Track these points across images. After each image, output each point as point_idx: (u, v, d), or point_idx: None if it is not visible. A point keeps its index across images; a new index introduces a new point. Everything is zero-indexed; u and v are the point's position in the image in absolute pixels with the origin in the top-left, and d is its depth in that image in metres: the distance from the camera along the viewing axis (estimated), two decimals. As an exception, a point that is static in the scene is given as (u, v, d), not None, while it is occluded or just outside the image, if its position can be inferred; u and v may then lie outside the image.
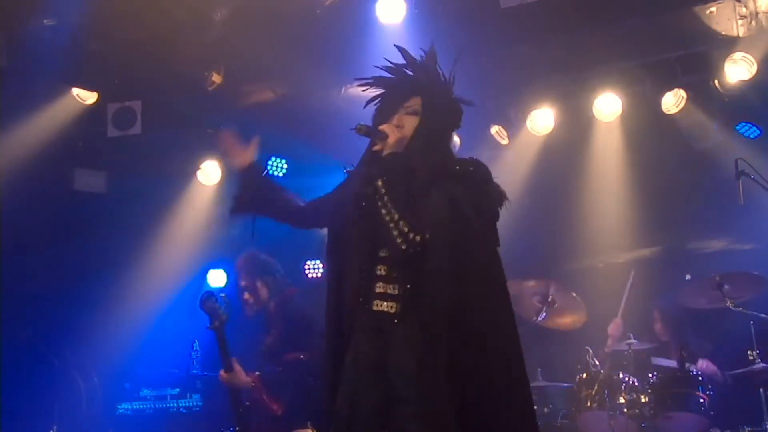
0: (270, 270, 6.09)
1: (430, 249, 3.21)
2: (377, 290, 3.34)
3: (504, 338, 3.32)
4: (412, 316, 3.24)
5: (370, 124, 3.56)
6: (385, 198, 3.28)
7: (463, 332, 3.19)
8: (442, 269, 3.20)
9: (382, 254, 3.36)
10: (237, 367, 5.68)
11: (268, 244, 7.56)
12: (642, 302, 7.69)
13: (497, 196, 3.44)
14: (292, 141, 8.28)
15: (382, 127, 3.44)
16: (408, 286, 3.28)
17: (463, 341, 3.19)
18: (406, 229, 3.22)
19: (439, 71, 3.60)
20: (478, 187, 3.39)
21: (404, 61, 3.60)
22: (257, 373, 5.82)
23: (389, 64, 3.60)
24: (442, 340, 3.17)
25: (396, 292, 3.31)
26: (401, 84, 3.55)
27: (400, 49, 3.63)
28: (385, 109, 3.53)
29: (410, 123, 3.45)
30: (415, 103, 3.48)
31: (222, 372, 5.69)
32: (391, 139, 3.40)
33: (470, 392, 3.19)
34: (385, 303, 3.32)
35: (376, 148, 3.43)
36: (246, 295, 6.06)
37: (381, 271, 3.35)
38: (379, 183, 3.31)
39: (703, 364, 6.88)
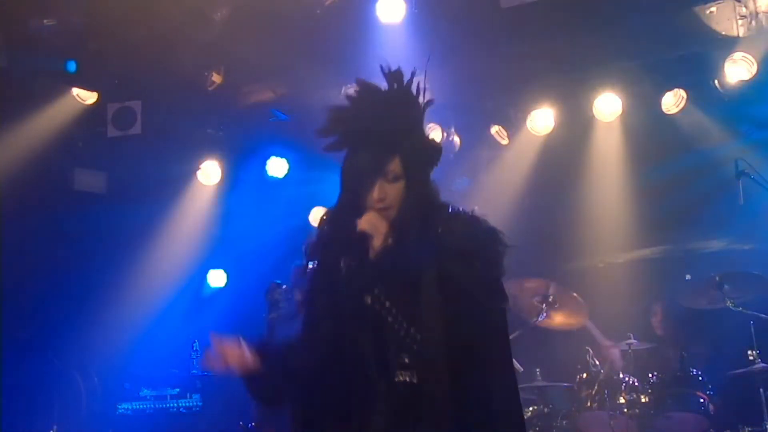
0: None
1: (424, 346, 2.99)
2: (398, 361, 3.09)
3: (506, 401, 3.12)
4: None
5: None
6: (387, 304, 3.05)
7: (464, 395, 3.07)
8: (439, 364, 2.97)
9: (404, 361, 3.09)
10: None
11: (266, 243, 7.57)
12: (642, 302, 7.70)
13: (497, 251, 3.10)
14: (292, 141, 8.29)
15: (364, 224, 3.04)
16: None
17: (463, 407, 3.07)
18: (418, 337, 3.02)
19: (413, 104, 3.13)
20: (475, 255, 3.06)
21: (374, 109, 3.08)
22: None
23: (358, 118, 3.10)
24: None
25: (408, 361, 3.07)
26: (377, 142, 3.05)
27: (361, 82, 3.13)
28: (361, 177, 3.06)
29: (393, 191, 3.05)
30: (395, 166, 3.05)
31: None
32: (377, 240, 3.02)
33: None
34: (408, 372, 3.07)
35: (360, 228, 3.06)
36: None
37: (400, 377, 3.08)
38: (377, 291, 3.05)
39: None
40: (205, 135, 8.38)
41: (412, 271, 3.01)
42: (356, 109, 3.12)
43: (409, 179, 3.07)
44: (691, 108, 7.57)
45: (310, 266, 3.26)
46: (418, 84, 3.13)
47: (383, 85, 3.10)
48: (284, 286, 5.78)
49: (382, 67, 3.11)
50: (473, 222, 3.12)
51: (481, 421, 3.01)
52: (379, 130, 3.06)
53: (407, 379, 3.04)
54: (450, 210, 3.17)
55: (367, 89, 3.11)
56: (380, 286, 3.05)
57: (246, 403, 5.75)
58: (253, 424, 5.66)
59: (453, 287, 2.98)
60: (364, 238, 3.04)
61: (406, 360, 3.05)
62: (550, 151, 8.13)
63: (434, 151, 3.18)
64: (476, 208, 3.26)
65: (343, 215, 3.15)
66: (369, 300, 3.05)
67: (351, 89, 3.14)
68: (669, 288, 7.65)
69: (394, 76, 3.11)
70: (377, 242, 3.04)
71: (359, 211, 3.08)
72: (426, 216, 3.09)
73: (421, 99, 3.13)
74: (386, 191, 3.05)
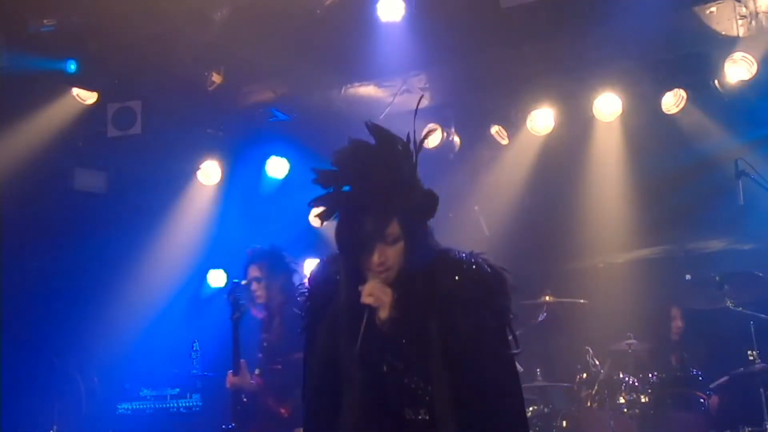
0: (290, 270, 6.05)
1: (437, 400, 3.03)
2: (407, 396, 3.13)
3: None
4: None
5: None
6: (401, 368, 3.06)
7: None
8: (449, 416, 3.01)
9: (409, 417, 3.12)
10: (244, 370, 5.70)
11: (263, 225, 7.54)
12: (642, 302, 7.70)
13: (503, 296, 3.10)
14: (292, 141, 8.29)
15: (368, 295, 3.01)
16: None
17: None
18: (429, 389, 3.05)
19: (406, 157, 3.05)
20: (481, 304, 3.06)
21: (365, 171, 3.00)
22: (257, 371, 5.84)
23: (351, 181, 3.02)
24: None
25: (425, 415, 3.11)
26: (374, 209, 2.98)
27: (352, 141, 3.05)
28: (359, 242, 3.00)
29: (394, 253, 3.01)
30: (393, 229, 3.00)
31: (230, 374, 5.71)
32: (383, 311, 3.02)
33: None
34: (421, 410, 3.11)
35: (363, 300, 3.01)
36: (255, 286, 6.01)
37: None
38: (390, 359, 3.06)
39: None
40: (205, 135, 8.38)
41: (420, 334, 3.01)
42: (348, 171, 3.03)
43: (408, 239, 3.03)
44: (691, 108, 7.57)
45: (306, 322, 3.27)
46: (408, 135, 3.07)
47: (371, 142, 3.04)
48: (243, 282, 5.84)
49: (367, 125, 3.05)
50: (478, 268, 3.09)
51: None
52: (374, 193, 2.98)
53: (423, 416, 3.06)
54: (453, 255, 3.13)
55: (357, 150, 3.03)
56: (392, 352, 3.05)
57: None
58: (232, 425, 5.69)
59: (461, 340, 2.99)
60: (368, 307, 3.02)
61: (422, 413, 3.07)
62: (550, 151, 8.13)
63: (431, 203, 3.10)
64: (476, 207, 3.27)
65: (341, 277, 3.14)
66: (385, 368, 3.06)
67: (341, 150, 3.06)
68: (669, 288, 7.65)
69: (381, 131, 3.04)
70: (383, 313, 3.03)
71: (358, 275, 3.06)
72: (428, 271, 3.06)
73: (412, 148, 3.06)
74: (386, 255, 3.01)
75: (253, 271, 5.98)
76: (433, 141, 7.59)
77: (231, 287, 5.78)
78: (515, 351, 3.14)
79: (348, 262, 3.08)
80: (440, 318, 3.01)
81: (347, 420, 3.08)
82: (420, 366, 3.03)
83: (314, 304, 3.25)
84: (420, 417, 3.08)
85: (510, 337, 3.14)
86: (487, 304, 3.06)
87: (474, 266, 3.08)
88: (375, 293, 3.02)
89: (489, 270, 3.09)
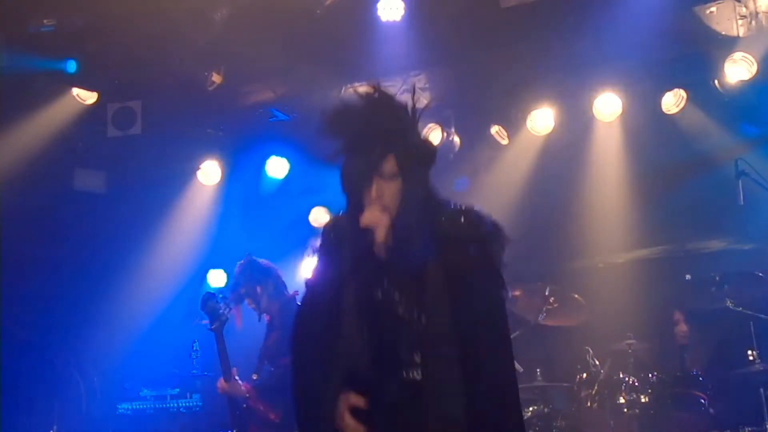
0: (269, 274, 6.08)
1: (431, 332, 3.09)
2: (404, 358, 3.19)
3: (505, 394, 3.20)
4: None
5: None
6: (396, 296, 3.15)
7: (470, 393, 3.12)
8: (444, 351, 3.08)
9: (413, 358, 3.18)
10: (235, 378, 5.73)
11: (266, 243, 7.57)
12: (642, 302, 7.69)
13: (498, 244, 3.21)
14: (292, 141, 8.29)
15: (365, 219, 3.13)
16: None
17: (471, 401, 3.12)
18: (424, 320, 3.12)
19: (401, 104, 3.25)
20: (475, 244, 3.17)
21: (364, 115, 3.19)
22: (255, 377, 5.86)
23: (352, 123, 3.19)
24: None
25: (419, 360, 3.16)
26: (372, 144, 3.14)
27: (356, 91, 3.24)
28: (357, 176, 3.15)
29: (390, 190, 3.14)
30: (390, 165, 3.13)
31: (221, 380, 5.74)
32: (380, 234, 3.13)
33: None
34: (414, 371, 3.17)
35: (363, 223, 3.14)
36: (248, 301, 6.07)
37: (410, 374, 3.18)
38: (386, 284, 3.16)
39: None
40: (205, 135, 8.38)
41: (417, 263, 3.11)
42: (350, 115, 3.21)
43: (405, 177, 3.16)
44: (691, 108, 7.56)
45: (315, 265, 3.36)
46: (413, 86, 3.30)
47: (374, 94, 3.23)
48: (220, 295, 5.86)
49: (371, 85, 3.25)
50: (475, 215, 3.22)
51: (479, 405, 3.08)
52: (372, 132, 3.15)
53: (415, 376, 3.12)
54: (451, 206, 3.27)
55: (358, 97, 3.22)
56: (388, 279, 3.15)
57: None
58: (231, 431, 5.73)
59: (456, 274, 3.10)
60: (367, 233, 3.13)
61: (416, 358, 3.13)
62: (550, 151, 8.12)
63: (429, 150, 3.28)
64: (476, 208, 3.30)
65: (346, 217, 3.25)
66: (380, 294, 3.16)
67: (344, 97, 3.24)
68: (669, 288, 7.65)
69: (383, 89, 3.24)
70: (380, 236, 3.14)
71: (361, 211, 3.17)
72: (425, 211, 3.18)
73: (411, 103, 3.24)
74: (383, 189, 3.13)
75: (241, 288, 6.04)
76: (433, 141, 7.59)
77: (203, 298, 5.78)
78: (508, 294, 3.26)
79: (351, 199, 3.21)
80: (436, 251, 3.12)
81: (339, 366, 3.15)
82: (414, 296, 3.12)
83: (323, 246, 3.36)
84: (412, 376, 3.13)
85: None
86: (483, 246, 3.17)
87: (473, 213, 3.23)
88: (373, 215, 3.13)
89: (487, 219, 3.23)
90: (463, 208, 3.25)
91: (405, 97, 3.31)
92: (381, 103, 3.22)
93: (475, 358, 3.09)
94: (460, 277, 3.11)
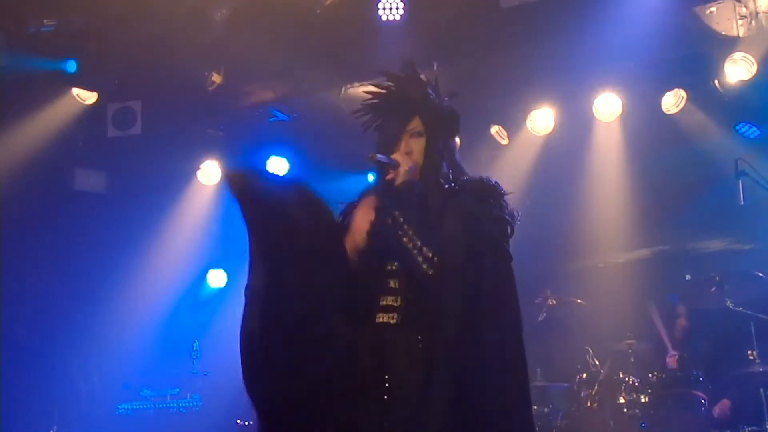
0: None
1: (444, 270, 3.29)
2: (381, 303, 3.40)
3: (511, 352, 3.38)
4: (411, 325, 3.31)
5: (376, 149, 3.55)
6: (405, 227, 3.38)
7: (470, 346, 3.23)
8: (452, 289, 3.25)
9: (390, 268, 3.42)
10: None
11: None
12: (642, 302, 7.70)
13: (511, 213, 3.53)
14: (292, 141, 8.29)
15: (394, 156, 3.48)
16: (408, 296, 3.36)
17: (468, 355, 3.23)
18: (430, 255, 3.32)
19: (425, 80, 3.65)
20: (492, 201, 3.48)
21: (392, 81, 3.64)
22: None
23: (380, 90, 3.63)
24: (443, 348, 3.22)
25: (397, 303, 3.37)
26: (400, 107, 3.58)
27: (385, 73, 3.67)
28: (389, 135, 3.55)
29: (417, 146, 3.52)
30: (416, 124, 3.54)
31: None
32: (404, 167, 3.45)
33: (472, 402, 3.21)
34: (387, 315, 3.38)
35: (389, 177, 3.46)
36: None
37: (391, 284, 3.41)
38: (397, 213, 3.39)
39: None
40: (205, 135, 8.37)
41: (433, 202, 3.42)
42: (383, 88, 3.64)
43: (430, 135, 3.52)
44: (691, 108, 7.56)
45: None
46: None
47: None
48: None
49: (406, 60, 3.69)
50: (494, 182, 3.57)
51: (480, 365, 3.27)
52: (402, 98, 3.59)
53: (390, 321, 3.35)
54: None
55: (389, 76, 3.65)
56: (401, 210, 3.42)
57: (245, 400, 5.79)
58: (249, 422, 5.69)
59: (471, 220, 3.38)
60: (394, 167, 3.44)
61: (391, 302, 3.37)
62: (550, 151, 8.12)
63: (452, 115, 3.64)
64: None
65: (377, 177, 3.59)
66: (390, 221, 3.41)
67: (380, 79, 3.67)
68: (669, 288, 7.65)
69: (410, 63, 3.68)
70: (404, 168, 3.45)
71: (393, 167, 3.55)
72: (448, 167, 3.54)
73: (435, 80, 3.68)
74: (411, 145, 3.50)
75: None
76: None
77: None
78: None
79: (384, 163, 3.50)
80: (454, 198, 3.44)
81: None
82: (423, 229, 3.37)
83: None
84: (393, 322, 3.34)
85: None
86: (496, 202, 3.49)
87: (489, 184, 3.55)
88: (400, 158, 3.47)
89: (502, 194, 3.54)
90: (483, 177, 3.60)
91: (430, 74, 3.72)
92: (409, 77, 3.63)
93: (481, 308, 3.29)
94: (475, 224, 3.37)
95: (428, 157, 3.50)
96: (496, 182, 3.57)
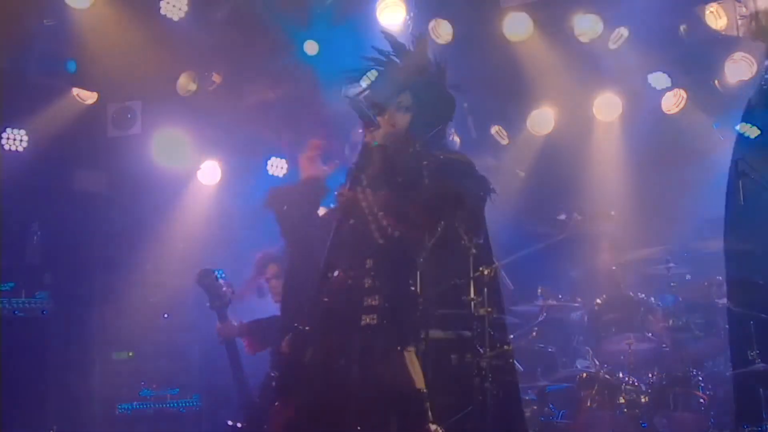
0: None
1: (406, 242, 3.30)
2: (364, 304, 3.37)
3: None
4: (390, 326, 3.28)
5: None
6: (367, 190, 3.37)
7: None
8: (415, 262, 3.26)
9: (368, 266, 3.39)
10: (229, 319, 5.82)
11: (266, 243, 7.57)
12: (642, 302, 7.68)
13: (483, 183, 3.58)
14: (292, 141, 8.28)
15: (378, 119, 3.48)
16: (385, 295, 3.34)
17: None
18: (384, 222, 3.30)
19: (430, 61, 3.64)
20: (461, 174, 3.50)
21: (396, 51, 3.64)
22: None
23: (377, 55, 3.63)
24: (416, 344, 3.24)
25: (376, 302, 3.32)
26: (391, 78, 3.58)
27: (387, 35, 3.69)
28: (377, 104, 3.54)
29: (402, 120, 3.51)
30: (405, 99, 3.52)
31: (217, 324, 5.83)
32: (382, 131, 3.44)
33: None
34: (368, 317, 3.36)
35: (366, 139, 3.46)
36: (274, 283, 6.09)
37: (367, 283, 3.38)
38: (363, 175, 3.41)
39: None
40: (205, 135, 8.37)
41: (402, 169, 3.42)
42: (381, 54, 3.66)
43: (417, 112, 3.50)
44: (691, 108, 7.56)
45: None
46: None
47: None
48: (215, 273, 5.85)
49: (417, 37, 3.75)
50: (464, 158, 3.60)
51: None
52: (398, 71, 3.58)
53: (372, 322, 3.36)
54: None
55: (392, 45, 3.65)
56: (368, 172, 3.43)
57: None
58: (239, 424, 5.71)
59: (437, 189, 3.41)
60: (374, 127, 3.44)
61: (372, 302, 3.36)
62: (550, 151, 8.12)
63: (445, 96, 3.63)
64: None
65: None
66: (355, 180, 3.46)
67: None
68: (668, 288, 7.64)
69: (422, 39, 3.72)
70: (382, 132, 3.45)
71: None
72: (427, 145, 3.53)
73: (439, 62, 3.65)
74: (396, 119, 3.50)
75: (272, 269, 6.06)
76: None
77: (201, 274, 5.81)
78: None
79: (363, 114, 3.52)
80: (422, 176, 3.45)
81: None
82: (385, 201, 3.39)
83: None
84: (371, 320, 3.35)
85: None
86: (467, 186, 3.53)
87: (461, 160, 3.60)
88: (382, 121, 3.47)
89: (472, 168, 3.60)
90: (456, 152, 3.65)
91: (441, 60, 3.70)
92: (414, 53, 3.64)
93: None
94: (442, 190, 3.41)
95: (409, 132, 3.50)
96: (467, 159, 3.60)
